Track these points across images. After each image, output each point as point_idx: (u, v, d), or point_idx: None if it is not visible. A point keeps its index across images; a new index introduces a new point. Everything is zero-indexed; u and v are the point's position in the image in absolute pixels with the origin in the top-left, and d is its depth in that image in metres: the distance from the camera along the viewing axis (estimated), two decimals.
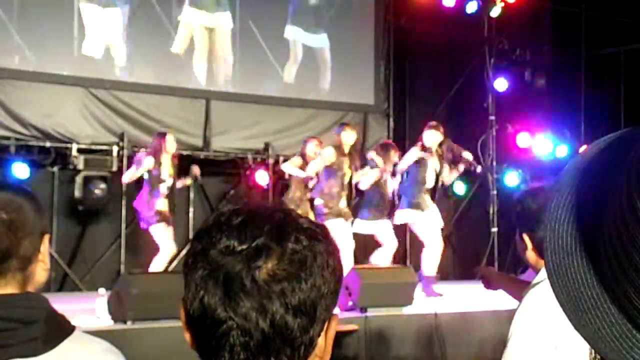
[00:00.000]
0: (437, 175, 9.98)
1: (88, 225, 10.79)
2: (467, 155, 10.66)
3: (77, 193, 10.43)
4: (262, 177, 11.39)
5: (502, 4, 13.28)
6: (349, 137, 9.71)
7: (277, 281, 1.11)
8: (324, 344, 1.17)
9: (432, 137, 9.91)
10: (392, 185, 10.08)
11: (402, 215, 9.96)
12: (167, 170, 9.28)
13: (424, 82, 13.42)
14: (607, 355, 0.74)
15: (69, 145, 10.35)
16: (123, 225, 10.57)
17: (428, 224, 9.83)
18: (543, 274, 2.59)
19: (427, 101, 13.42)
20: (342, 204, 9.50)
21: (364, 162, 10.18)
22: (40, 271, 1.73)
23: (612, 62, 14.42)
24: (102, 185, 10.44)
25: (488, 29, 13.71)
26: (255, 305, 1.10)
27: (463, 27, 13.10)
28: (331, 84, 12.37)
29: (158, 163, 9.18)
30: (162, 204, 9.16)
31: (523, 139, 13.82)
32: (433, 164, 9.94)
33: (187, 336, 1.18)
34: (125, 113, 10.81)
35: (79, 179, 10.41)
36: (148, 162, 9.23)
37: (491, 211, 13.54)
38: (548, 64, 13.83)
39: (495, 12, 13.34)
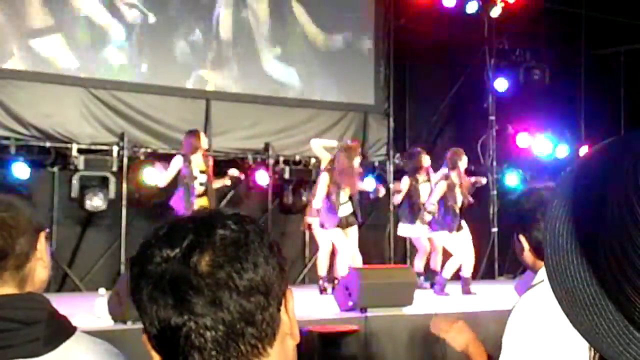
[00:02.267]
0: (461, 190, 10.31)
1: (88, 225, 10.79)
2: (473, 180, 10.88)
3: (77, 193, 10.43)
4: (262, 177, 11.40)
5: (502, 4, 13.28)
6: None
7: (220, 268, 1.11)
8: (287, 318, 1.17)
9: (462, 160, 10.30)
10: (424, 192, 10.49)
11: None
12: (198, 168, 9.31)
13: (424, 82, 13.42)
14: (605, 352, 0.75)
15: (69, 145, 10.35)
16: (123, 225, 10.57)
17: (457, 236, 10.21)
18: (541, 275, 2.60)
19: (427, 101, 13.43)
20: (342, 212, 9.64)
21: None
22: (40, 269, 1.73)
23: (612, 62, 14.43)
24: (102, 186, 10.45)
25: (488, 29, 13.72)
26: (208, 299, 1.10)
27: (463, 27, 13.11)
28: (331, 84, 12.37)
29: (188, 161, 9.20)
30: (201, 202, 9.15)
31: (523, 139, 13.83)
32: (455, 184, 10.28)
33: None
34: (125, 113, 10.82)
35: (79, 179, 10.42)
36: (177, 161, 9.27)
37: (491, 211, 13.54)
38: (548, 64, 13.83)
39: (495, 12, 13.34)
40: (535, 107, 13.88)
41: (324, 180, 9.71)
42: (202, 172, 9.35)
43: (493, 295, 9.66)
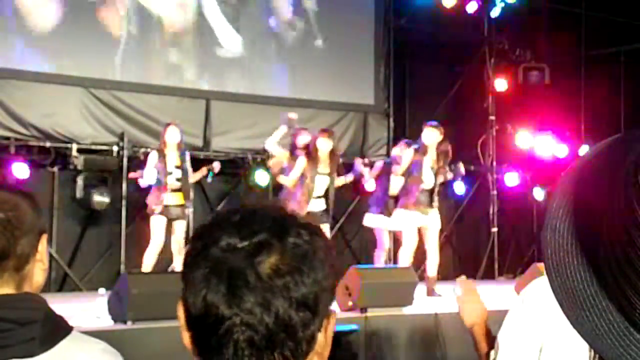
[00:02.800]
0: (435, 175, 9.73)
1: (88, 225, 10.79)
2: (461, 167, 10.32)
3: (78, 193, 10.43)
4: (262, 177, 11.39)
5: (502, 4, 13.29)
6: (324, 144, 9.59)
7: (280, 275, 1.11)
8: (324, 339, 1.17)
9: (431, 136, 9.74)
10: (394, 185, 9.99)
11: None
12: (171, 162, 9.21)
13: (424, 82, 13.42)
14: (605, 353, 0.75)
15: (69, 145, 10.35)
16: (123, 225, 10.57)
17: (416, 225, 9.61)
18: None
19: (427, 101, 13.43)
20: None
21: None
22: (39, 271, 1.73)
23: (612, 62, 14.42)
24: (102, 186, 10.46)
25: (488, 29, 13.73)
26: (259, 300, 1.10)
27: (463, 27, 13.11)
28: (331, 84, 12.37)
29: (162, 156, 9.16)
30: (165, 197, 9.11)
31: (523, 139, 13.83)
32: (429, 163, 9.70)
33: (186, 337, 1.18)
34: (125, 113, 10.82)
35: (79, 179, 10.42)
36: (152, 156, 9.23)
37: (491, 211, 13.55)
38: (548, 64, 13.83)
39: (495, 12, 13.35)
40: (535, 107, 13.88)
41: (300, 163, 9.44)
42: (177, 167, 9.22)
43: (493, 295, 9.64)
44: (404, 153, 9.77)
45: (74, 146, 10.36)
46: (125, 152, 10.62)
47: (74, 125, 10.44)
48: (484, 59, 13.70)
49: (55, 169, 10.52)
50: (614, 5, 13.78)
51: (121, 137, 10.70)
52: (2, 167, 9.79)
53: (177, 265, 9.08)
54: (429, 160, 9.65)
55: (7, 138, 10.08)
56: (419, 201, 9.56)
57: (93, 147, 10.57)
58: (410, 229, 9.59)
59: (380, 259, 9.97)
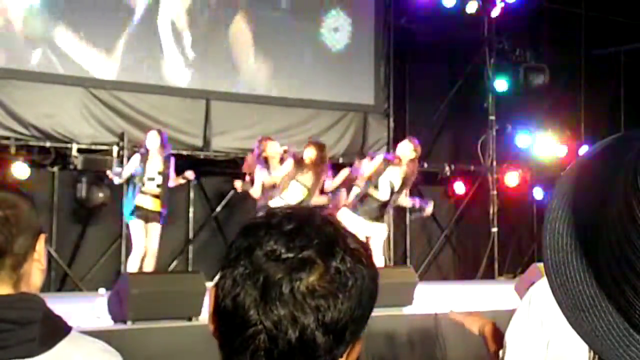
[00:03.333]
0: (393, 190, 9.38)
1: (88, 225, 10.79)
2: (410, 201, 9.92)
3: (78, 193, 10.43)
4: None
5: (502, 4, 13.28)
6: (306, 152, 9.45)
7: (315, 297, 1.09)
8: None
9: (405, 150, 9.46)
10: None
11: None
12: (154, 167, 9.15)
13: (424, 82, 13.42)
14: (604, 354, 0.74)
15: (69, 145, 10.35)
16: (123, 225, 10.57)
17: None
18: None
19: (427, 101, 13.43)
20: None
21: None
22: (36, 272, 1.73)
23: (612, 62, 14.43)
24: (103, 186, 10.45)
25: (488, 29, 13.73)
26: (288, 314, 1.09)
27: (463, 27, 13.11)
28: (331, 84, 12.37)
29: (144, 160, 9.12)
30: (143, 200, 9.08)
31: (523, 139, 13.83)
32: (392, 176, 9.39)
33: (212, 326, 1.17)
34: (125, 113, 10.82)
35: (79, 179, 10.42)
36: (133, 160, 9.24)
37: (491, 211, 13.55)
38: (548, 64, 13.83)
39: (495, 12, 13.35)
40: (535, 107, 13.88)
41: (287, 164, 9.41)
42: (159, 173, 9.17)
43: (493, 295, 9.65)
44: (369, 163, 9.53)
45: (74, 146, 10.36)
46: (126, 152, 10.61)
47: (74, 125, 10.43)
48: (484, 59, 13.70)
49: (55, 169, 10.51)
50: (614, 5, 13.78)
51: (121, 137, 10.70)
52: (2, 167, 9.79)
53: (149, 266, 9.03)
54: (396, 173, 9.38)
55: (8, 138, 10.08)
56: (366, 211, 9.32)
57: (93, 147, 10.57)
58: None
59: None
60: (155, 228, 9.16)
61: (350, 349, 1.16)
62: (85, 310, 7.14)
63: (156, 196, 9.14)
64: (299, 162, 9.40)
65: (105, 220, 10.79)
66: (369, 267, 1.16)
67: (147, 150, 9.21)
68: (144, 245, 9.07)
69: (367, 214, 9.32)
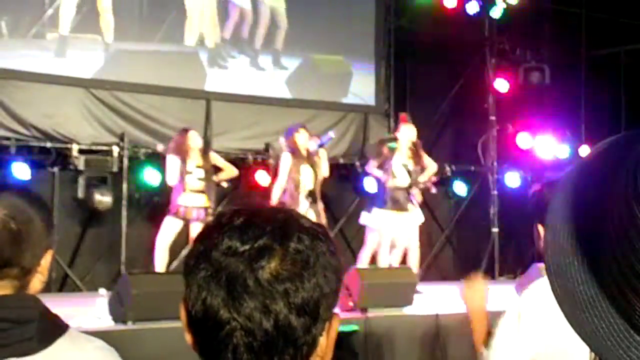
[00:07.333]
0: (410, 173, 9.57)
1: (88, 225, 10.78)
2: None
3: (79, 194, 10.43)
4: (262, 177, 11.38)
5: (503, 5, 13.28)
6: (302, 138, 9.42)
7: (281, 281, 1.10)
8: (325, 343, 1.17)
9: (407, 132, 9.70)
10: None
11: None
12: (194, 162, 9.13)
13: (425, 82, 13.41)
14: (605, 355, 0.74)
15: (69, 145, 10.35)
16: (123, 225, 10.57)
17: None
18: None
19: (428, 101, 13.42)
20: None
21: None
22: (37, 281, 1.75)
23: (612, 62, 14.42)
24: (103, 186, 10.46)
25: (489, 30, 13.73)
26: (258, 305, 1.09)
27: (464, 27, 13.10)
28: (331, 84, 12.37)
29: (183, 159, 9.08)
30: (185, 199, 9.04)
31: (523, 140, 13.83)
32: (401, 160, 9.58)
33: (188, 337, 1.18)
34: (125, 113, 10.82)
35: (80, 180, 10.41)
36: (174, 161, 9.12)
37: (492, 211, 13.54)
38: (548, 64, 13.83)
39: (496, 12, 13.34)
40: (536, 107, 13.88)
41: (285, 161, 9.33)
42: (198, 167, 9.19)
43: (493, 295, 9.63)
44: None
45: (75, 146, 10.36)
46: (126, 153, 10.61)
47: (75, 126, 10.43)
48: (484, 59, 13.70)
49: (56, 169, 10.51)
50: (614, 5, 13.77)
51: (121, 137, 10.69)
52: (3, 168, 9.79)
53: None
54: (403, 155, 9.56)
55: (8, 138, 10.07)
56: (394, 203, 9.43)
57: (93, 147, 10.56)
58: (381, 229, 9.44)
59: (363, 259, 9.82)
60: (198, 227, 9.07)
61: (329, 326, 1.17)
62: (85, 310, 7.14)
63: (199, 191, 9.13)
64: (295, 153, 9.33)
65: (106, 220, 10.79)
66: (327, 243, 1.16)
67: (181, 149, 9.10)
68: (167, 242, 9.06)
69: (397, 206, 9.39)
